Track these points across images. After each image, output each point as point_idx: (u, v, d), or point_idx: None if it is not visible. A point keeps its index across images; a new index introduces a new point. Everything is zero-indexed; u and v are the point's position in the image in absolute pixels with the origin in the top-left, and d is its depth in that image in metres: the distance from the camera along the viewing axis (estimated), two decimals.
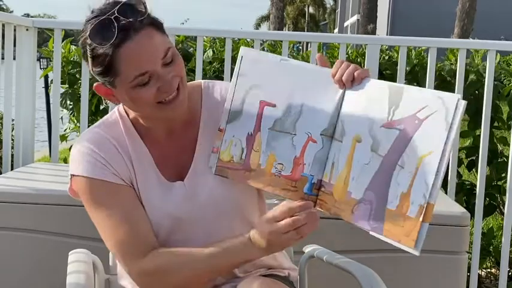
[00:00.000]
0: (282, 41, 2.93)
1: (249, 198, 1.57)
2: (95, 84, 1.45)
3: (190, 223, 1.50)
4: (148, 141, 1.51)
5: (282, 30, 24.31)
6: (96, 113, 3.25)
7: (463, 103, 1.24)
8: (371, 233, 1.35)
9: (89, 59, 1.38)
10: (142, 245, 1.43)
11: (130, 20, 1.32)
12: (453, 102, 1.25)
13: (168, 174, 1.51)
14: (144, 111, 1.45)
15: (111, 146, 1.48)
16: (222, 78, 3.01)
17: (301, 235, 1.32)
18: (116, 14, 1.31)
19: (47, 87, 6.50)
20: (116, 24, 1.30)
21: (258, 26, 44.83)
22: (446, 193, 2.83)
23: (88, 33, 1.33)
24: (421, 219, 1.26)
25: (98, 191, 1.45)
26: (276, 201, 2.04)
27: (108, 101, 3.05)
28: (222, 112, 1.51)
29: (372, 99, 1.38)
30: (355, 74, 1.40)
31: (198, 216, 1.50)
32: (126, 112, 1.52)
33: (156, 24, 1.38)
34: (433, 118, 1.27)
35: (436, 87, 2.98)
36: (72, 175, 1.50)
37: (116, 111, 1.54)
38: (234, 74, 1.53)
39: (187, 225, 1.50)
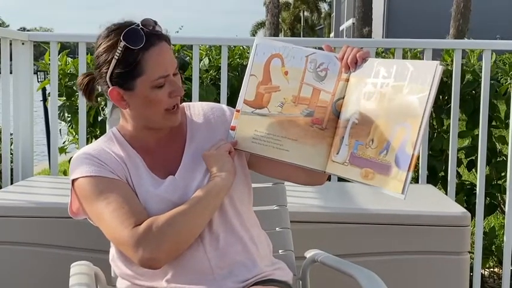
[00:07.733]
0: None
1: (239, 193, 1.67)
2: (110, 88, 1.56)
3: None
4: (140, 150, 1.64)
5: (278, 36, 24.36)
6: (94, 124, 3.25)
7: (440, 68, 1.44)
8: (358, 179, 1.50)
9: (113, 62, 1.53)
10: (138, 220, 1.50)
11: (153, 31, 1.55)
12: (433, 68, 1.45)
13: (159, 175, 1.62)
14: (153, 114, 1.58)
15: (106, 152, 1.62)
16: (218, 86, 3.01)
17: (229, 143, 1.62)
18: (141, 26, 1.53)
19: (44, 100, 6.50)
20: (143, 33, 1.52)
21: (254, 32, 44.82)
22: (446, 194, 2.83)
23: (122, 36, 1.51)
24: (407, 169, 1.42)
25: (96, 186, 1.55)
26: (275, 207, 2.04)
27: (106, 112, 3.06)
28: (205, 122, 1.70)
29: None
30: (357, 55, 1.59)
31: None
32: (118, 131, 1.67)
33: (169, 42, 1.58)
34: (417, 84, 1.46)
35: None
36: (73, 181, 1.59)
37: (109, 132, 1.69)
38: (249, 61, 1.67)
39: None
